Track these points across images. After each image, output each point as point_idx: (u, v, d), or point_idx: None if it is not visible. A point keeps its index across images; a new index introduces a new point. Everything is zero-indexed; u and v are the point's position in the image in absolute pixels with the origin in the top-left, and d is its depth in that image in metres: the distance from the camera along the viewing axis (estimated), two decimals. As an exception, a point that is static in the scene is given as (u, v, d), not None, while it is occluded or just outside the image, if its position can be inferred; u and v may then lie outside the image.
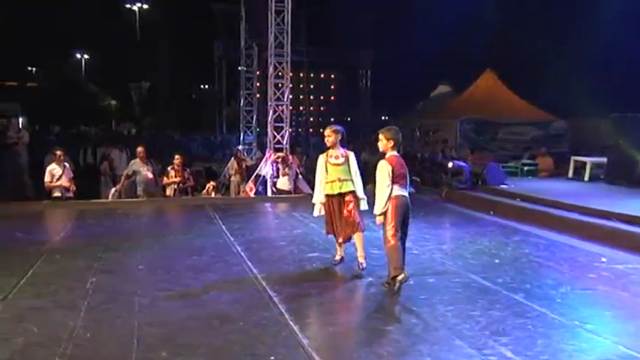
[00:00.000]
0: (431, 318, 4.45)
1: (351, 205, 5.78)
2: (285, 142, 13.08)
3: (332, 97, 33.38)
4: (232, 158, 14.11)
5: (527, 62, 22.22)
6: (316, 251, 6.67)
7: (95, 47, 35.58)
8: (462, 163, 12.48)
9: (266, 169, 12.93)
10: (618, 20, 17.47)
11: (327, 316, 4.74)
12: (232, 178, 13.50)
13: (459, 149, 16.40)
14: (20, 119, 18.80)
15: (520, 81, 20.32)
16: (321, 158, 5.96)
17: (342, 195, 5.80)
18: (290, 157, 12.93)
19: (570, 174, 13.00)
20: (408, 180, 5.30)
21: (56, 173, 10.29)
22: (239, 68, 20.31)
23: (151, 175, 11.29)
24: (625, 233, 7.26)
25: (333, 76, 33.07)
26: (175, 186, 11.32)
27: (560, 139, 18.18)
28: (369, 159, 13.02)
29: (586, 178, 12.34)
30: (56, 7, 29.22)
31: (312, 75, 29.60)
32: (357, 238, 5.79)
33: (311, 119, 30.32)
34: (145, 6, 34.06)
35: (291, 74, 13.50)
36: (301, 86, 27.00)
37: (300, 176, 12.89)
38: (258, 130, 19.10)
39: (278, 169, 12.68)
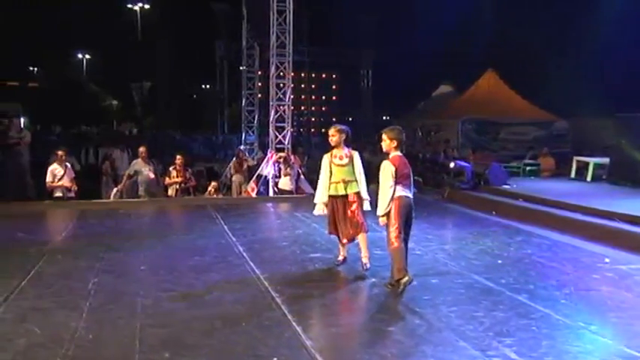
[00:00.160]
0: (434, 319, 4.43)
1: (354, 206, 5.75)
2: (286, 142, 13.07)
3: (333, 97, 33.40)
4: (234, 158, 14.10)
5: (529, 62, 22.18)
6: (318, 252, 6.65)
7: (96, 47, 35.61)
8: (464, 164, 12.46)
9: (268, 169, 12.92)
10: (619, 19, 17.43)
11: (330, 317, 4.73)
12: (234, 178, 13.48)
13: (461, 149, 16.38)
14: (22, 119, 18.82)
15: (522, 81, 20.30)
16: (326, 158, 5.90)
17: (346, 196, 5.77)
18: (292, 157, 12.92)
19: (573, 174, 12.97)
20: (412, 180, 5.25)
21: (58, 173, 10.28)
22: (240, 68, 20.31)
23: (152, 175, 11.29)
24: (628, 234, 7.24)
25: (334, 76, 33.08)
26: (177, 186, 11.32)
27: (562, 139, 18.16)
28: (371, 159, 12.99)
29: (588, 178, 12.31)
30: (57, 7, 29.22)
31: (313, 75, 29.61)
32: (361, 238, 5.77)
33: (312, 119, 30.30)
34: (146, 6, 34.05)
35: (292, 74, 13.49)
36: (303, 86, 27.00)
37: (302, 176, 12.88)
38: (259, 130, 19.09)
39: (280, 169, 12.67)
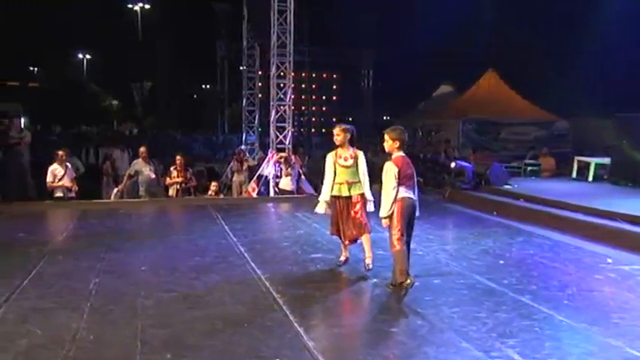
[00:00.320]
0: (436, 319, 4.41)
1: (358, 206, 5.71)
2: (287, 143, 13.06)
3: (334, 97, 33.38)
4: (234, 158, 14.08)
5: (530, 62, 22.18)
6: (320, 252, 6.63)
7: (97, 47, 35.64)
8: (465, 164, 12.44)
9: (268, 169, 12.91)
10: (620, 19, 17.42)
11: (332, 317, 4.71)
12: (234, 179, 13.46)
13: (462, 149, 16.36)
14: (22, 119, 18.80)
15: (522, 81, 20.30)
16: (330, 157, 5.85)
17: (349, 197, 5.73)
18: (292, 157, 12.91)
19: (574, 174, 12.95)
20: (416, 180, 5.21)
21: (58, 173, 10.27)
22: (241, 68, 20.30)
23: (153, 175, 11.28)
24: (630, 234, 7.22)
25: (335, 76, 33.05)
26: (177, 186, 11.31)
27: (563, 139, 18.16)
28: (373, 159, 12.97)
29: (590, 178, 12.29)
30: (57, 7, 29.22)
31: (313, 75, 29.56)
32: (364, 239, 5.74)
33: (313, 119, 30.28)
34: (147, 6, 34.03)
35: (293, 74, 13.48)
36: (303, 86, 26.94)
37: (302, 177, 12.86)
38: (260, 130, 19.08)
39: (280, 169, 12.65)
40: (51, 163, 10.33)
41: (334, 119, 33.26)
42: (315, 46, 22.50)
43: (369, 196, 5.77)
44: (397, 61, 26.16)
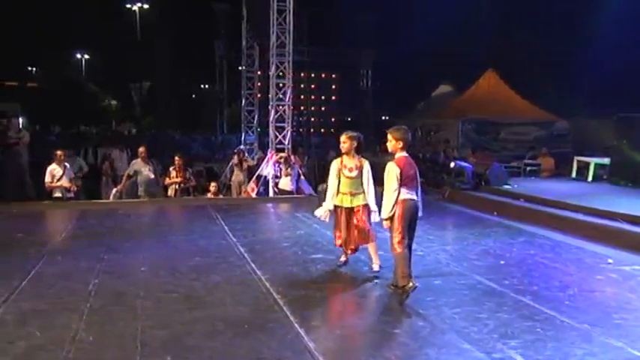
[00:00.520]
0: (438, 320, 4.39)
1: (360, 215, 5.63)
2: (287, 143, 13.03)
3: (333, 97, 33.28)
4: (234, 159, 14.06)
5: (529, 62, 22.20)
6: (320, 252, 6.61)
7: (95, 47, 35.62)
8: (465, 164, 12.42)
9: (268, 169, 12.88)
10: (620, 19, 17.43)
11: (333, 318, 4.70)
12: (233, 179, 13.44)
13: (461, 149, 16.35)
14: (20, 119, 18.78)
15: (522, 81, 20.30)
16: (335, 165, 5.74)
17: (351, 208, 5.67)
18: (292, 157, 12.88)
19: (573, 174, 12.93)
20: (419, 181, 5.13)
21: (56, 174, 10.24)
22: (240, 68, 20.28)
23: (152, 176, 11.25)
24: (631, 234, 7.20)
25: (334, 76, 32.97)
26: (176, 186, 11.28)
27: (563, 139, 18.15)
28: (372, 160, 12.94)
29: (589, 178, 12.27)
30: (56, 7, 29.19)
31: (312, 75, 29.50)
32: (370, 247, 5.68)
33: (312, 119, 30.23)
34: (145, 6, 34.00)
35: (292, 74, 13.45)
36: (302, 86, 26.91)
37: (301, 177, 12.83)
38: (259, 130, 19.06)
39: (280, 169, 12.63)
40: (50, 163, 10.31)
41: (333, 119, 33.27)
42: (315, 45, 22.50)
43: (373, 206, 5.67)
44: (396, 61, 26.14)
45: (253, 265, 5.99)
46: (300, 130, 25.13)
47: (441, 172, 13.72)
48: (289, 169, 12.32)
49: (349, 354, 4.00)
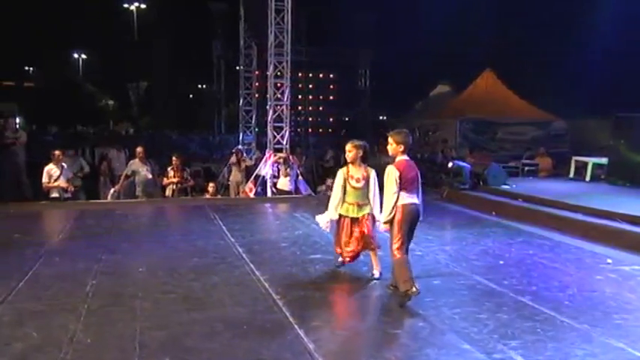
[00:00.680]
0: (437, 321, 4.37)
1: (365, 221, 5.52)
2: (285, 143, 13.01)
3: (331, 97, 33.30)
4: (232, 158, 14.05)
5: (527, 62, 22.21)
6: (318, 253, 6.59)
7: (93, 47, 35.56)
8: (463, 164, 12.41)
9: (266, 169, 12.86)
10: (618, 19, 17.45)
11: (332, 319, 4.68)
12: (231, 179, 13.42)
13: (459, 149, 16.35)
14: (17, 119, 18.70)
15: (519, 80, 20.32)
16: (341, 174, 5.60)
17: (357, 218, 5.57)
18: (291, 157, 12.86)
19: (571, 174, 12.95)
20: (420, 183, 5.04)
21: (53, 174, 10.19)
22: (237, 68, 20.25)
23: (150, 176, 11.21)
24: (630, 234, 7.20)
25: (332, 75, 33.00)
26: (173, 186, 11.25)
27: (561, 139, 18.18)
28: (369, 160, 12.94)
29: (587, 178, 12.29)
30: (54, 7, 29.12)
31: (310, 75, 29.54)
32: (372, 254, 5.59)
33: (310, 119, 30.25)
34: (143, 5, 33.93)
35: (290, 74, 13.43)
36: (300, 86, 26.95)
37: (299, 177, 12.81)
38: (257, 130, 19.05)
39: (278, 169, 12.60)
40: (47, 163, 10.26)
41: (331, 119, 33.30)
42: (313, 45, 22.51)
43: (378, 216, 5.52)
44: (394, 60, 26.17)
45: (252, 266, 5.97)
46: (298, 130, 25.17)
47: (439, 172, 13.71)
48: (289, 170, 12.29)
49: (349, 355, 3.98)
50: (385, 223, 4.96)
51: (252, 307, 4.68)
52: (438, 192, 11.86)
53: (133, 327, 4.19)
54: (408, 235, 4.93)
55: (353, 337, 4.28)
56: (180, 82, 35.55)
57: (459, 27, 22.89)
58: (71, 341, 3.92)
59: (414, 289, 4.65)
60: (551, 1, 21.28)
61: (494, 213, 9.57)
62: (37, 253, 6.47)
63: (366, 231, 5.51)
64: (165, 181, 11.35)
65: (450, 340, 4.02)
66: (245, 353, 3.78)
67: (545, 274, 5.80)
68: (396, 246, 4.84)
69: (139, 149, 11.26)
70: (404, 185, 4.85)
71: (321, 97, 32.89)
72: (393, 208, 4.86)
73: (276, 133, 13.07)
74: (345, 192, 5.57)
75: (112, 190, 11.59)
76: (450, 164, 12.60)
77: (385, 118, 30.17)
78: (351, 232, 5.58)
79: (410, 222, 4.92)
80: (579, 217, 8.32)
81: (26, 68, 36.97)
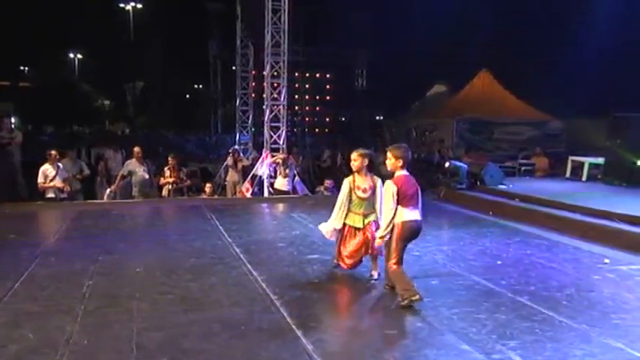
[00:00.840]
0: (436, 321, 4.36)
1: (369, 227, 5.44)
2: (282, 142, 12.99)
3: (327, 97, 33.26)
4: (229, 159, 14.00)
5: (523, 62, 22.25)
6: (316, 253, 6.57)
7: (88, 47, 35.44)
8: (460, 163, 12.41)
9: (262, 169, 12.83)
10: (615, 19, 17.50)
11: (331, 319, 4.66)
12: (228, 179, 13.38)
13: (456, 149, 16.37)
14: (13, 119, 18.66)
15: (516, 80, 20.36)
16: (347, 184, 5.47)
17: (362, 227, 5.48)
18: (289, 158, 12.84)
19: (568, 174, 12.96)
20: (420, 198, 4.92)
21: (49, 174, 10.14)
22: (234, 68, 20.23)
23: (147, 176, 11.17)
24: (627, 233, 7.20)
25: (328, 75, 32.96)
26: (169, 186, 11.21)
27: (557, 138, 18.23)
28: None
29: (584, 178, 12.30)
30: (49, 7, 29.03)
31: (307, 75, 29.51)
32: (372, 259, 5.54)
33: (306, 119, 30.24)
34: (139, 5, 33.84)
35: (286, 74, 13.41)
36: (297, 86, 26.89)
37: (296, 177, 12.79)
38: (253, 130, 19.03)
39: (276, 170, 12.57)
40: (43, 164, 10.21)
41: (328, 119, 33.27)
42: (309, 45, 22.49)
43: (382, 224, 5.48)
44: (391, 60, 26.16)
45: (249, 266, 5.94)
46: (295, 130, 25.15)
47: (436, 172, 13.71)
48: (287, 170, 12.25)
49: (348, 355, 3.96)
50: (381, 237, 4.91)
51: (249, 308, 4.66)
52: (435, 192, 11.85)
53: (130, 328, 4.17)
54: (405, 249, 4.88)
55: (351, 337, 4.27)
56: (176, 81, 35.47)
57: (455, 27, 22.93)
58: (67, 343, 3.89)
59: (417, 296, 4.60)
60: (548, 1, 21.33)
61: (491, 213, 9.57)
62: (32, 254, 6.43)
63: (369, 236, 5.42)
64: (162, 181, 11.32)
65: (448, 340, 4.01)
66: (243, 354, 3.76)
67: (543, 274, 5.80)
68: (392, 261, 4.81)
69: (137, 149, 11.21)
70: (404, 201, 4.76)
71: (317, 97, 32.82)
72: (389, 224, 4.80)
73: (272, 133, 13.05)
74: (350, 201, 5.46)
75: (108, 191, 11.54)
76: (447, 164, 12.60)
77: (382, 118, 30.20)
78: (355, 239, 5.49)
79: (409, 239, 4.87)
80: (577, 217, 8.32)
81: (22, 68, 36.85)
